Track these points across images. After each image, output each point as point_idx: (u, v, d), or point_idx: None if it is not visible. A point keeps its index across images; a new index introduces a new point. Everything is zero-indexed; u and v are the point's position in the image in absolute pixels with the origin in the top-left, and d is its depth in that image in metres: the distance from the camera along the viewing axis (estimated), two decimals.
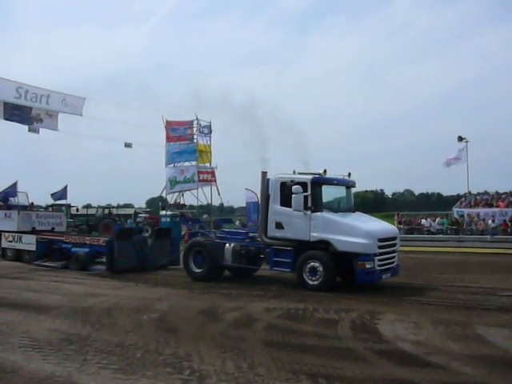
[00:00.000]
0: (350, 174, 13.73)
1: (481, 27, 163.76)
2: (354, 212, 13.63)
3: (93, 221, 33.73)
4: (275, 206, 13.04)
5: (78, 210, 36.94)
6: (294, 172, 13.45)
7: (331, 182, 13.21)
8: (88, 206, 42.05)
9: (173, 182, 36.91)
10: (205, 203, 38.84)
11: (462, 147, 33.72)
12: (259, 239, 13.59)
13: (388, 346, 7.26)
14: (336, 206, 13.51)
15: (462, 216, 29.86)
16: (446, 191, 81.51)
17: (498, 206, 29.33)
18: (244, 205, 26.94)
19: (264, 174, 13.50)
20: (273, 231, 13.04)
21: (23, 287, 13.20)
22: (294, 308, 10.07)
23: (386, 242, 12.23)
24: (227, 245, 13.95)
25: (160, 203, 38.51)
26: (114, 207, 40.47)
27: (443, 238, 27.87)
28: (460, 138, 33.83)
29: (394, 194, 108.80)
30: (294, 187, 12.43)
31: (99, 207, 38.88)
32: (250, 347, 7.23)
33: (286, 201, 12.71)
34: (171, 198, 38.44)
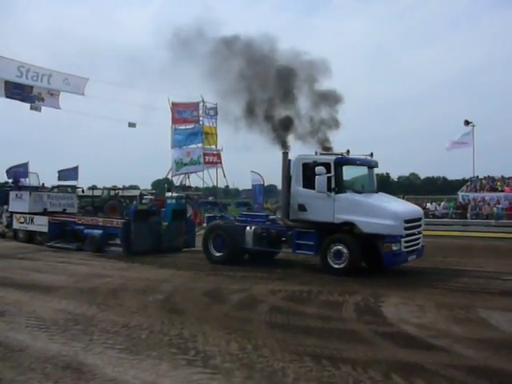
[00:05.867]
0: (372, 154, 13.38)
1: (490, 10, 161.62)
2: (376, 192, 13.35)
3: (98, 202, 33.78)
4: (297, 188, 12.78)
5: (83, 191, 36.99)
6: (316, 153, 13.14)
7: (354, 162, 12.95)
8: (93, 188, 42.09)
9: (179, 164, 36.95)
10: (210, 185, 38.92)
11: (467, 131, 33.46)
12: (281, 222, 13.39)
13: (392, 329, 7.30)
14: (359, 187, 13.11)
15: (467, 200, 29.78)
16: (452, 175, 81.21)
17: (503, 191, 29.19)
18: (250, 187, 26.90)
19: (285, 154, 13.22)
20: (295, 213, 12.79)
21: (30, 268, 13.33)
22: (298, 290, 10.12)
23: (411, 223, 11.96)
24: (248, 228, 13.69)
25: (166, 185, 38.55)
26: (119, 189, 40.51)
27: (448, 222, 27.80)
28: (467, 122, 33.49)
29: (399, 178, 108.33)
30: (317, 168, 12.10)
31: (105, 189, 38.94)
32: (254, 329, 7.29)
33: (308, 182, 12.43)
34: (177, 180, 38.55)
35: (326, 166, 12.17)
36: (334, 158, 12.48)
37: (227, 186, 42.64)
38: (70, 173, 32.26)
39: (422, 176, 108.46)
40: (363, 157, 13.28)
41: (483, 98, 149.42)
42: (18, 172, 25.77)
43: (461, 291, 10.16)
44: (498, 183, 30.62)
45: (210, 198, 36.36)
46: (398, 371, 5.49)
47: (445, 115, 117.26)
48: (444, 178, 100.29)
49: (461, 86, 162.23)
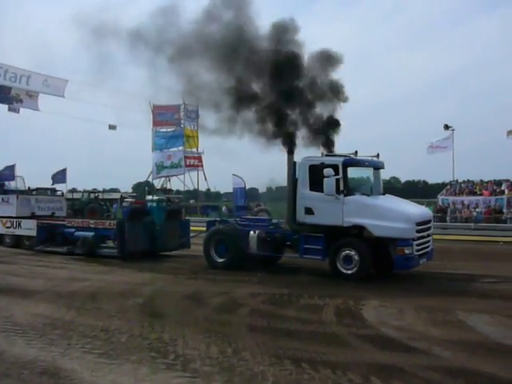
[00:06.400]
0: (378, 155, 13.12)
1: (472, 15, 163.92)
2: (383, 194, 13.10)
3: (78, 205, 33.39)
4: (304, 191, 12.36)
5: (63, 194, 36.57)
6: (322, 154, 12.91)
7: (363, 163, 12.69)
8: (73, 191, 41.57)
9: (159, 167, 36.88)
10: (191, 188, 38.85)
11: (447, 135, 33.89)
12: (286, 226, 13.11)
13: (371, 331, 7.34)
14: (367, 189, 12.67)
15: (446, 203, 30.11)
16: (432, 179, 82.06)
17: (482, 195, 29.60)
18: (231, 190, 26.88)
19: (290, 157, 12.94)
20: (302, 217, 12.36)
21: (6, 271, 13.11)
22: (278, 293, 10.11)
23: (422, 225, 11.70)
24: (251, 232, 13.20)
25: (146, 188, 38.36)
26: (99, 192, 40.08)
27: None
28: (446, 126, 33.91)
29: None
30: (325, 170, 11.67)
31: (85, 191, 38.52)
32: (234, 332, 7.28)
33: (315, 185, 12.01)
34: (158, 183, 38.38)
35: (334, 167, 11.76)
36: (342, 159, 12.11)
37: (208, 189, 42.65)
38: (60, 176, 31.82)
39: (403, 180, 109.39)
40: (370, 158, 13.01)
41: (463, 103, 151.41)
42: (4, 175, 25.14)
43: (440, 294, 10.27)
44: (477, 187, 31.00)
45: (191, 201, 36.30)
46: (377, 373, 5.52)
47: (425, 119, 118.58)
48: (424, 182, 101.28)
49: (442, 90, 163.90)
